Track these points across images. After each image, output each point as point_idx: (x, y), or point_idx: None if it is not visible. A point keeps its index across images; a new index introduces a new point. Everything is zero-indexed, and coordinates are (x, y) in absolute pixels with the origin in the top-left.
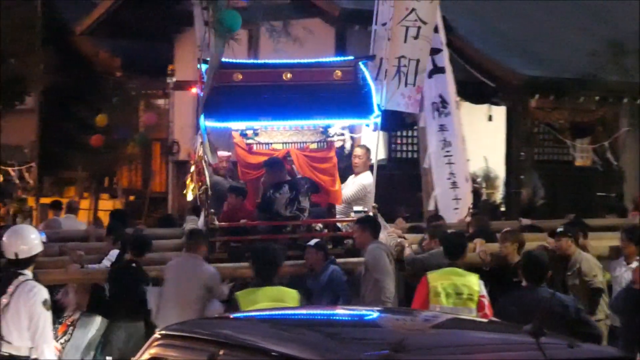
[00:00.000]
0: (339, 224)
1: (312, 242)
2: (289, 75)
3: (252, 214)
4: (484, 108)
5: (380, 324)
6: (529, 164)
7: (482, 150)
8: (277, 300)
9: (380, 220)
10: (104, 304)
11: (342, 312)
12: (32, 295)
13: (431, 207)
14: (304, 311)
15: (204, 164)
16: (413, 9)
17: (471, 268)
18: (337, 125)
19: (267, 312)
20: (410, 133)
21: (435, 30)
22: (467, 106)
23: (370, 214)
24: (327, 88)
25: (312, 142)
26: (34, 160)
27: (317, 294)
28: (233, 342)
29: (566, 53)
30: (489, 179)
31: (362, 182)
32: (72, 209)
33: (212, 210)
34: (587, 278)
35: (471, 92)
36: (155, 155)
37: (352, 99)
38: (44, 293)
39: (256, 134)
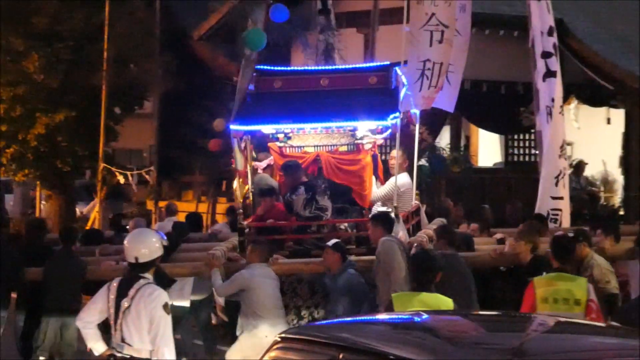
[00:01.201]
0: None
1: (330, 242)
2: (325, 82)
3: (284, 214)
4: (602, 111)
5: (498, 329)
6: None
7: (600, 154)
8: (432, 307)
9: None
10: None
11: (460, 316)
12: (153, 299)
13: None
14: (422, 315)
15: (248, 168)
16: (433, 14)
17: (488, 267)
18: (363, 128)
19: (387, 316)
20: (527, 136)
21: (550, 33)
22: (585, 109)
23: (392, 214)
24: (360, 93)
25: (342, 145)
26: (153, 164)
27: (334, 295)
28: (352, 346)
29: None
30: (607, 182)
31: (394, 181)
32: (171, 212)
33: (241, 210)
34: (600, 285)
35: (589, 94)
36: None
37: (380, 102)
38: (164, 297)
39: (288, 138)
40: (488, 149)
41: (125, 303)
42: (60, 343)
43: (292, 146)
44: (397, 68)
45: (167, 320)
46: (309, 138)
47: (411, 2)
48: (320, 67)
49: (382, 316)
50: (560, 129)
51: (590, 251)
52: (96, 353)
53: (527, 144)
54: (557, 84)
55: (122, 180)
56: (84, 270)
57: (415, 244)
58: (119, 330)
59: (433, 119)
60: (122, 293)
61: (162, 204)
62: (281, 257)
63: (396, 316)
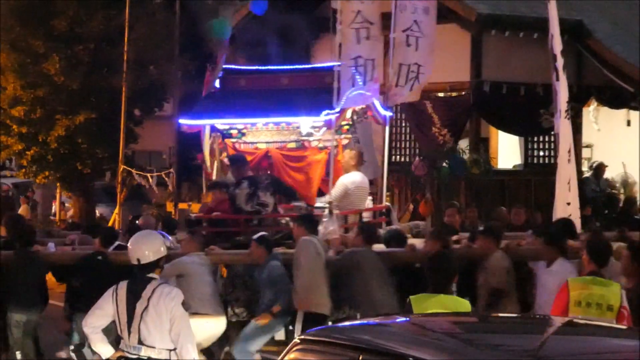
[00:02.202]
0: None
1: (256, 235)
2: (285, 81)
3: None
4: (622, 113)
5: (518, 331)
6: None
7: (620, 156)
8: (450, 309)
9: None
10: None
11: (479, 318)
12: (173, 297)
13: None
14: (441, 317)
15: (215, 164)
16: (359, 11)
17: (402, 263)
18: (306, 125)
19: (405, 318)
20: (547, 138)
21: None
22: (605, 111)
23: (326, 210)
24: (313, 91)
25: (290, 142)
26: (173, 166)
27: (261, 287)
28: (372, 348)
29: None
30: (626, 184)
31: (342, 181)
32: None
33: (190, 203)
34: (490, 278)
35: (609, 96)
36: None
37: (322, 100)
38: (181, 295)
39: (243, 134)
40: (508, 150)
41: (140, 304)
42: (23, 340)
43: (245, 142)
44: (352, 68)
45: (187, 318)
46: (261, 134)
47: (341, 1)
48: (282, 67)
49: (402, 318)
50: (567, 133)
51: (494, 247)
52: (104, 357)
53: (547, 146)
54: (563, 88)
55: (143, 182)
56: (44, 269)
57: (331, 246)
58: (135, 332)
59: (454, 121)
60: (134, 295)
61: (182, 205)
62: (217, 248)
63: (415, 318)
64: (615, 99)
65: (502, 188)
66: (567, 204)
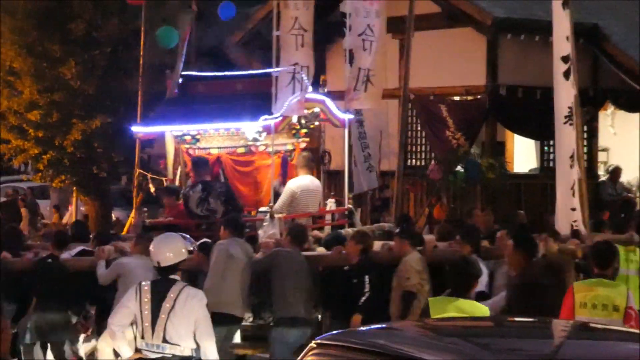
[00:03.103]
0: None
1: (198, 242)
2: (240, 86)
3: (184, 212)
4: (638, 116)
5: (533, 335)
6: None
7: (636, 159)
8: (467, 313)
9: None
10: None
11: (495, 322)
12: (199, 299)
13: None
14: (456, 321)
15: (179, 170)
16: (296, 18)
17: (333, 265)
18: (251, 130)
19: (421, 322)
20: None
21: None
22: (621, 114)
23: (269, 214)
24: (264, 96)
25: (240, 147)
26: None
27: None
28: (388, 352)
29: None
30: None
31: (289, 185)
32: None
33: (145, 209)
34: (401, 280)
35: (625, 100)
36: None
37: (265, 105)
38: (204, 297)
39: (197, 140)
40: (523, 154)
41: (167, 304)
42: None
43: (199, 148)
44: (302, 74)
45: (209, 319)
46: (213, 140)
47: (280, 7)
48: (238, 72)
49: (418, 322)
50: (568, 139)
51: (409, 249)
52: (124, 356)
53: None
54: (564, 93)
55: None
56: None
57: (262, 248)
58: (159, 331)
59: (469, 125)
60: (159, 295)
61: None
62: None
63: (432, 322)
64: (631, 103)
65: (518, 192)
66: (571, 209)
